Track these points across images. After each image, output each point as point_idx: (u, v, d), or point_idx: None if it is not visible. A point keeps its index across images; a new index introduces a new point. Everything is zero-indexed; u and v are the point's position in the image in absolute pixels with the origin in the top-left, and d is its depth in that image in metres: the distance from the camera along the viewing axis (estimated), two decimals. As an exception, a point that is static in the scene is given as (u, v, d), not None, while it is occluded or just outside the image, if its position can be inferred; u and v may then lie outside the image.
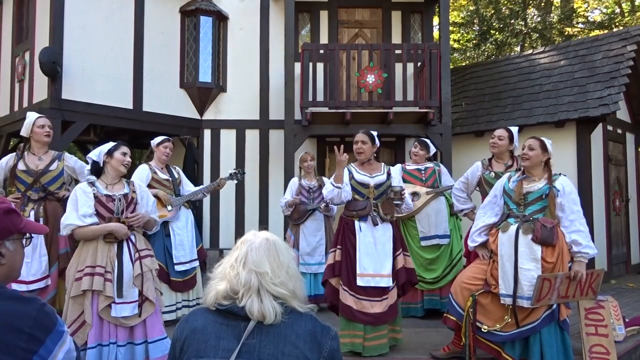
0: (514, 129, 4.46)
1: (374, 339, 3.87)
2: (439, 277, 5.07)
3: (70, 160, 4.24)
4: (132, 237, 3.39)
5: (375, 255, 3.92)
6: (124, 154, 3.45)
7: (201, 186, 5.16)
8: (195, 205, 5.17)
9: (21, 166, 4.05)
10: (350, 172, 4.06)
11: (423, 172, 5.26)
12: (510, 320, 3.49)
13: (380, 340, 3.90)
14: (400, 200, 3.97)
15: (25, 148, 4.16)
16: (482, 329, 3.54)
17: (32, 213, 3.94)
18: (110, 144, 3.49)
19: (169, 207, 4.80)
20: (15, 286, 3.92)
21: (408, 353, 4.05)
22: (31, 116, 4.19)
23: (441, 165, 5.55)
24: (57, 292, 3.90)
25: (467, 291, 3.63)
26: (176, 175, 5.03)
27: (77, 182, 4.19)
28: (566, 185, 3.55)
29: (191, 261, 4.88)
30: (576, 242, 3.48)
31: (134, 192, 3.48)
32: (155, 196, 4.77)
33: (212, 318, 1.54)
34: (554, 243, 3.43)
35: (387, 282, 3.91)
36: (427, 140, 5.53)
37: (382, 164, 4.24)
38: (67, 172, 4.19)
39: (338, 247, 4.00)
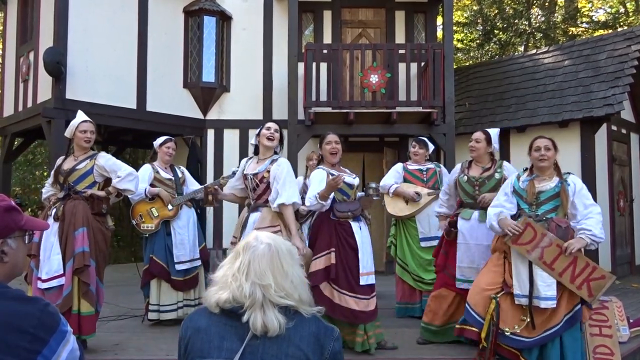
0: (492, 131, 4.37)
1: (374, 335, 3.95)
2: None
3: (102, 159, 4.04)
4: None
5: (369, 254, 4.04)
6: (268, 128, 3.98)
7: (203, 185, 5.13)
8: (198, 205, 5.15)
9: (58, 168, 4.02)
10: (332, 174, 4.02)
11: (424, 172, 5.25)
12: (527, 320, 3.38)
13: (371, 340, 3.95)
14: (378, 196, 4.06)
15: (69, 149, 4.11)
16: (505, 333, 3.42)
17: (54, 211, 3.89)
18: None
19: (170, 207, 4.80)
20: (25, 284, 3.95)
21: (410, 353, 4.04)
22: (77, 118, 4.09)
23: (442, 166, 5.54)
24: (71, 290, 3.78)
25: (489, 298, 3.52)
26: (180, 175, 5.03)
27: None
28: (577, 182, 3.52)
29: (192, 260, 4.85)
30: (585, 227, 3.39)
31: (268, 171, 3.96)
32: (157, 195, 4.79)
33: (215, 318, 1.53)
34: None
35: (373, 279, 4.03)
36: (425, 139, 5.52)
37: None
38: (98, 171, 4.02)
39: (332, 249, 3.90)
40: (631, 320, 4.61)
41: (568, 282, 3.32)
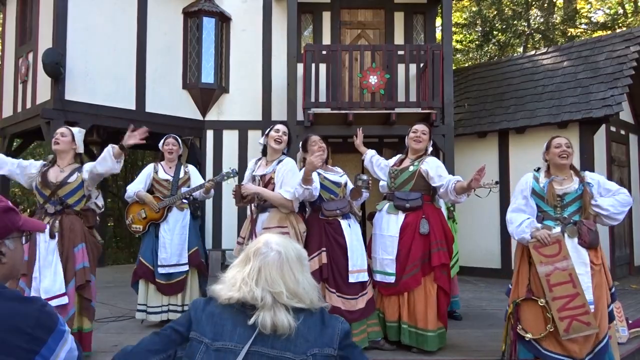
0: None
1: (360, 333, 3.91)
2: None
3: (85, 168, 3.88)
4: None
5: (360, 251, 4.03)
6: (277, 130, 4.00)
7: (188, 189, 4.89)
8: (196, 207, 5.00)
9: (44, 178, 3.82)
10: (319, 174, 4.04)
11: None
12: (552, 329, 3.26)
13: (362, 335, 3.94)
14: (368, 188, 4.02)
15: (54, 159, 3.94)
16: (525, 337, 3.31)
17: (48, 228, 3.68)
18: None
19: (156, 210, 4.74)
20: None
21: (409, 353, 4.02)
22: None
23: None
24: (75, 311, 3.69)
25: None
26: (181, 175, 4.90)
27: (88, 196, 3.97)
28: (597, 179, 3.46)
29: (177, 265, 4.71)
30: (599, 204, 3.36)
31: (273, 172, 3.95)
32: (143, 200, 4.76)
33: (229, 305, 1.55)
34: (597, 245, 3.35)
35: (365, 276, 4.01)
36: None
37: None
38: (86, 184, 3.86)
39: (323, 249, 3.91)
40: (630, 321, 4.61)
41: (555, 309, 3.20)
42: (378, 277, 4.08)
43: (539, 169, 3.64)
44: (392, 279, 3.98)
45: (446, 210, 5.16)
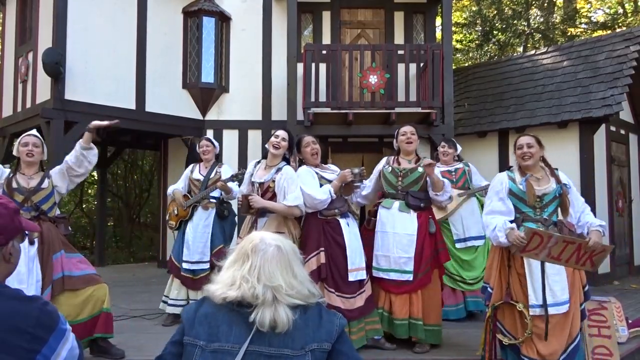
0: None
1: (358, 332, 3.91)
2: (479, 277, 4.92)
3: (53, 172, 3.87)
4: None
5: (358, 249, 4.05)
6: (276, 136, 4.01)
7: (205, 190, 4.95)
8: (223, 207, 4.99)
9: (13, 184, 3.71)
10: (316, 173, 4.08)
11: (453, 173, 5.20)
12: (530, 333, 3.26)
13: (360, 334, 3.93)
14: (360, 181, 4.03)
15: (17, 166, 3.84)
16: (504, 342, 3.35)
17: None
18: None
19: (183, 208, 4.95)
20: None
21: (409, 353, 4.02)
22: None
23: (470, 164, 5.43)
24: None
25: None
26: (212, 175, 4.97)
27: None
28: (568, 180, 3.47)
29: (199, 262, 4.85)
30: (591, 221, 3.38)
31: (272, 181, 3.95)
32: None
33: (222, 307, 1.55)
34: None
35: (364, 274, 4.03)
36: (453, 139, 5.54)
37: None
38: (57, 191, 3.84)
39: (321, 249, 3.91)
40: (630, 321, 4.61)
41: (574, 264, 3.28)
42: (393, 276, 4.05)
43: (511, 167, 3.61)
44: (409, 277, 3.99)
45: (480, 207, 5.16)
